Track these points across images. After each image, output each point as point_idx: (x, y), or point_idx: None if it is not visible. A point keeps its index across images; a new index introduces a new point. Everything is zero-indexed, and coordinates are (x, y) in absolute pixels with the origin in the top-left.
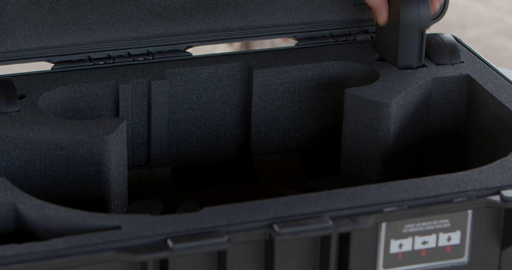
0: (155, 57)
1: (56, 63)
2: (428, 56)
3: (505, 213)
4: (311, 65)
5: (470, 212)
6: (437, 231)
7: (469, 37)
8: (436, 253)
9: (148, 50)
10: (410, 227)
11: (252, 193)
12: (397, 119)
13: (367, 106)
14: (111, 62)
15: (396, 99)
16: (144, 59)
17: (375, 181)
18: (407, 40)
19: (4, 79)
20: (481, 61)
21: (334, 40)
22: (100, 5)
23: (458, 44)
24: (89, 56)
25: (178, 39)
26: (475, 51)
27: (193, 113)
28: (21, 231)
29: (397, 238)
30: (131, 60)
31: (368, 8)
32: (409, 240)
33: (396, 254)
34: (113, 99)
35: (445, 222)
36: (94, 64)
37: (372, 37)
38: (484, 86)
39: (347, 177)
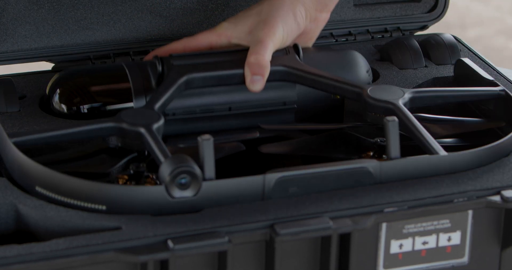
0: None
1: (56, 63)
2: (428, 56)
3: (505, 213)
4: None
5: (470, 212)
6: (437, 231)
7: (469, 37)
8: (436, 253)
9: (148, 50)
10: (410, 227)
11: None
12: None
13: None
14: (112, 62)
15: None
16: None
17: None
18: None
19: (4, 79)
20: (481, 61)
21: (334, 40)
22: (100, 5)
23: (458, 44)
24: (89, 56)
25: (178, 39)
26: (475, 51)
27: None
28: (21, 232)
29: (397, 238)
30: (131, 60)
31: (368, 8)
32: (409, 240)
33: (396, 254)
34: None
35: (445, 222)
36: (94, 64)
37: (372, 37)
38: None
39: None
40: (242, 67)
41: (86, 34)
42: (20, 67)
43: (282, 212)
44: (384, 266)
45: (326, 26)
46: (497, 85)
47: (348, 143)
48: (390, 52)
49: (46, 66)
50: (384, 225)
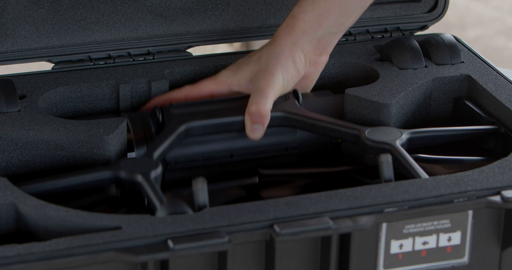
0: (155, 57)
1: (56, 63)
2: (428, 56)
3: (505, 213)
4: None
5: (470, 212)
6: (437, 231)
7: (469, 37)
8: (437, 253)
9: (148, 50)
10: (410, 227)
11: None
12: (397, 119)
13: (367, 106)
14: (111, 62)
15: (396, 99)
16: (144, 59)
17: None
18: None
19: (4, 79)
20: (481, 61)
21: None
22: (100, 5)
23: (458, 44)
24: (89, 56)
25: (178, 39)
26: (475, 51)
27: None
28: (21, 232)
29: (397, 238)
30: (131, 60)
31: (368, 8)
32: (410, 240)
33: (396, 255)
34: (113, 99)
35: (445, 223)
36: (94, 64)
37: (372, 37)
38: (484, 86)
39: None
40: (241, 114)
41: (86, 34)
42: (20, 67)
43: (282, 212)
44: (384, 266)
45: None
46: (495, 124)
47: (348, 186)
48: (390, 52)
49: (46, 66)
50: (384, 225)
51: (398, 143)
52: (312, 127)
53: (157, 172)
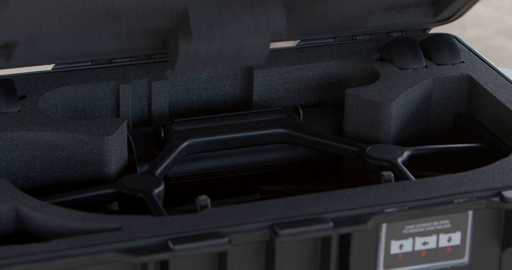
0: (155, 57)
1: (56, 63)
2: (428, 56)
3: (505, 214)
4: (311, 65)
5: (470, 213)
6: (437, 232)
7: (469, 37)
8: (437, 253)
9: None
10: (410, 228)
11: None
12: (397, 120)
13: (367, 106)
14: (112, 62)
15: (397, 100)
16: (145, 59)
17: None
18: None
19: (4, 79)
20: (481, 61)
21: (334, 40)
22: None
23: (458, 44)
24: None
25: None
26: (476, 51)
27: (194, 114)
28: (21, 233)
29: (397, 238)
30: (132, 60)
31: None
32: (410, 240)
33: (396, 255)
34: (113, 99)
35: (445, 223)
36: (94, 64)
37: (372, 37)
38: (484, 86)
39: (347, 178)
40: (242, 131)
41: None
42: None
43: (282, 213)
44: (384, 267)
45: None
46: (495, 142)
47: None
48: (390, 52)
49: (46, 66)
50: (384, 226)
51: (399, 161)
52: (313, 144)
53: (159, 189)
